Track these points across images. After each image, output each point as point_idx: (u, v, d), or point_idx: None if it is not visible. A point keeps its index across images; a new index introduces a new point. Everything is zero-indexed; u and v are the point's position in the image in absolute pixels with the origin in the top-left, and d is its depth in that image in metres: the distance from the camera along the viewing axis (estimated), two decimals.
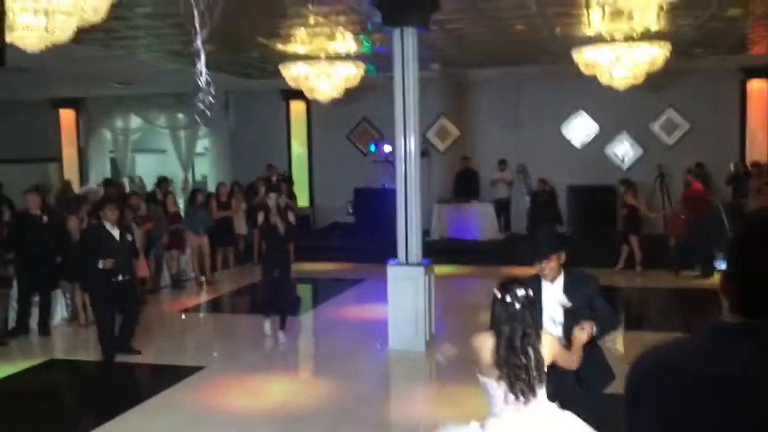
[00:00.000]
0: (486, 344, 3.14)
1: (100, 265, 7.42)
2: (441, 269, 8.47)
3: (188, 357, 8.32)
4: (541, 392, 3.13)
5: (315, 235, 15.21)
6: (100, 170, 17.17)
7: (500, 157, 14.73)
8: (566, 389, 3.63)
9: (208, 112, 6.12)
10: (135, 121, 17.31)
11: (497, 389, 3.08)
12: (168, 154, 17.60)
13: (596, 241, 13.18)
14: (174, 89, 15.13)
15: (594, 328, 3.62)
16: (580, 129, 15.01)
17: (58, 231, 8.86)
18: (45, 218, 8.73)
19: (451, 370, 6.71)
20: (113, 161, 17.64)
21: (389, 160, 15.08)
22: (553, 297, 3.91)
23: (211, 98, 6.13)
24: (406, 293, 7.80)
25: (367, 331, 8.81)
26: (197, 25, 5.87)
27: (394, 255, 8.17)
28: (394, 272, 7.98)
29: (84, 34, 8.92)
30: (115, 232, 7.66)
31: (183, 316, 10.18)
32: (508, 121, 15.03)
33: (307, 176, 16.62)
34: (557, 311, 3.90)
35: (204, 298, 11.36)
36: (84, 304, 9.11)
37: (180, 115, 16.72)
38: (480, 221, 14.29)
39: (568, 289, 3.92)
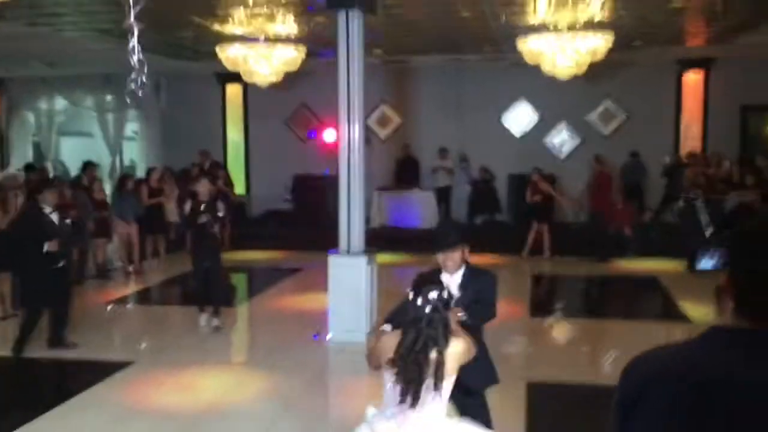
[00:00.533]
0: (390, 342, 3.04)
1: (46, 247, 6.99)
2: (381, 258, 8.28)
3: (116, 351, 7.88)
4: (434, 402, 3.00)
5: (251, 223, 14.81)
6: (22, 154, 16.30)
7: (441, 145, 14.62)
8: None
9: (139, 92, 5.75)
10: (60, 103, 16.50)
11: (393, 389, 3.00)
12: (95, 138, 16.82)
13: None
14: (102, 69, 14.48)
15: (462, 314, 3.62)
16: (520, 118, 15.04)
17: None
18: None
19: None
20: (36, 145, 16.79)
21: (329, 147, 14.83)
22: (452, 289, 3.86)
23: (143, 78, 5.76)
24: (348, 283, 7.59)
25: (306, 321, 8.56)
26: (130, 0, 5.50)
27: (334, 243, 7.94)
28: (335, 261, 7.75)
29: (6, 11, 8.38)
30: (54, 217, 7.24)
31: (109, 308, 9.68)
32: (449, 109, 14.93)
33: (244, 163, 16.17)
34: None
35: (132, 288, 10.87)
36: (1, 296, 8.55)
37: (108, 97, 16.01)
38: (421, 209, 14.17)
39: (464, 282, 3.96)
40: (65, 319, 7.45)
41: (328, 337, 7.70)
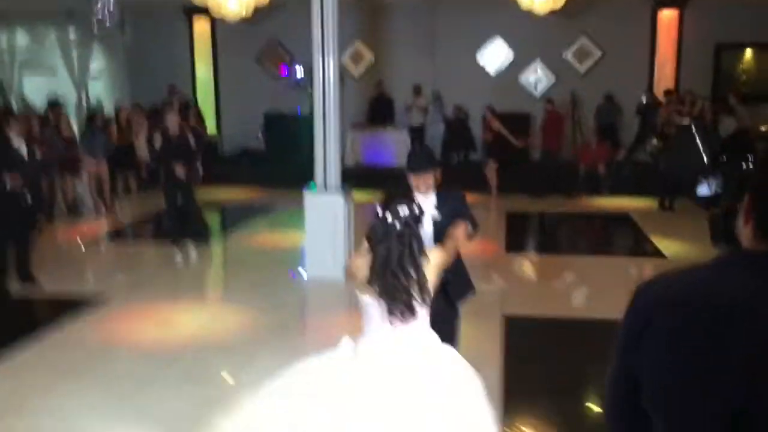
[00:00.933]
0: (361, 261, 3.04)
1: (7, 182, 6.81)
2: (356, 196, 8.24)
3: (90, 288, 7.80)
4: (423, 314, 3.03)
5: (224, 162, 14.60)
6: None
7: (415, 83, 14.44)
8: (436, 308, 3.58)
9: (106, 21, 5.56)
10: (21, 39, 15.90)
11: (376, 307, 2.96)
12: (59, 76, 16.31)
13: (509, 168, 13.26)
14: (65, 3, 13.92)
15: (469, 227, 3.78)
16: (495, 56, 14.88)
17: None
18: None
19: None
20: None
21: (301, 85, 14.57)
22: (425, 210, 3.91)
23: (110, 5, 5.55)
24: (324, 220, 7.55)
25: (281, 259, 8.54)
26: None
27: (309, 181, 7.87)
28: (311, 199, 7.69)
29: None
30: (23, 148, 7.03)
31: (81, 246, 9.56)
32: (423, 46, 14.69)
33: (214, 101, 15.84)
34: (428, 224, 3.93)
35: (103, 226, 10.72)
36: None
37: (72, 33, 15.45)
38: (395, 148, 14.08)
39: (438, 204, 4.03)
40: (27, 254, 7.31)
41: (305, 274, 7.69)
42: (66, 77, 15.85)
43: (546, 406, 4.63)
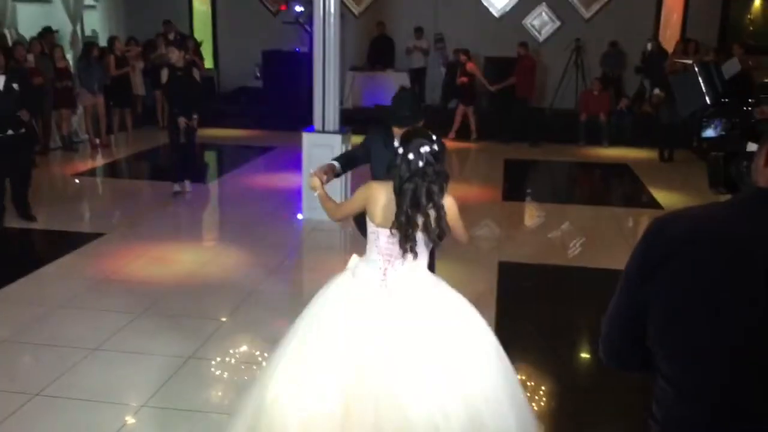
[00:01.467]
0: (381, 195, 3.04)
1: None
2: (353, 138, 8.17)
3: (86, 223, 7.81)
4: (426, 253, 3.10)
5: (221, 100, 14.43)
6: None
7: (417, 24, 14.18)
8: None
9: None
10: None
11: (386, 239, 3.02)
12: (54, 5, 15.92)
13: (511, 115, 13.16)
14: None
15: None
16: None
17: None
18: None
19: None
20: None
21: (300, 22, 14.31)
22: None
23: None
24: (322, 161, 7.46)
25: (278, 200, 8.52)
26: None
27: (307, 122, 7.79)
28: (310, 140, 7.63)
29: None
30: (0, 80, 6.84)
31: (77, 181, 9.51)
32: None
33: (211, 36, 15.55)
34: None
35: (100, 161, 10.65)
36: None
37: None
38: (394, 90, 13.88)
39: None
40: (22, 191, 7.22)
41: (301, 216, 7.69)
42: (60, 7, 15.51)
43: (537, 348, 4.69)
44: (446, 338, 3.02)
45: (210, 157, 11.37)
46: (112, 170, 10.36)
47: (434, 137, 3.07)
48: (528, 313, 5.35)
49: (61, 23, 15.19)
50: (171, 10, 14.64)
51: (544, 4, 14.42)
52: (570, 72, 13.58)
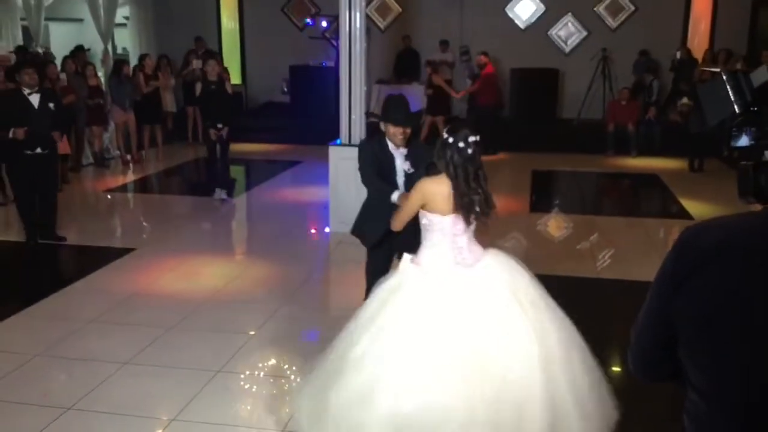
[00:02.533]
0: (443, 189, 3.38)
1: (11, 134, 6.75)
2: None
3: (117, 239, 7.93)
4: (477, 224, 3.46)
5: (248, 115, 14.58)
6: (10, 38, 15.79)
7: (442, 37, 14.21)
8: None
9: None
10: None
11: (447, 224, 3.38)
12: (85, 23, 16.27)
13: (537, 125, 13.13)
14: None
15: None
16: (525, 9, 14.57)
17: None
18: None
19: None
20: (25, 29, 16.25)
21: (326, 36, 14.43)
22: (401, 165, 4.27)
23: None
24: (348, 174, 7.52)
25: (306, 213, 8.57)
26: None
27: (333, 136, 7.84)
28: (336, 153, 7.67)
29: None
30: (34, 99, 6.97)
31: (109, 196, 9.66)
32: None
33: (239, 52, 15.74)
34: (400, 175, 4.28)
35: (131, 177, 10.81)
36: (2, 180, 8.51)
37: None
38: (419, 104, 13.93)
39: (412, 156, 4.25)
40: (50, 211, 7.24)
41: (327, 229, 7.72)
42: (92, 26, 15.82)
43: None
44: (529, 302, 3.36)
45: (238, 171, 11.47)
46: (142, 186, 10.50)
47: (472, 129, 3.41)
48: None
49: (93, 41, 15.51)
50: (200, 26, 14.86)
51: (570, 14, 14.38)
52: (597, 82, 13.50)
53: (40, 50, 14.86)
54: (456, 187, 3.35)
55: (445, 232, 3.41)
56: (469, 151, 3.34)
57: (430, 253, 3.44)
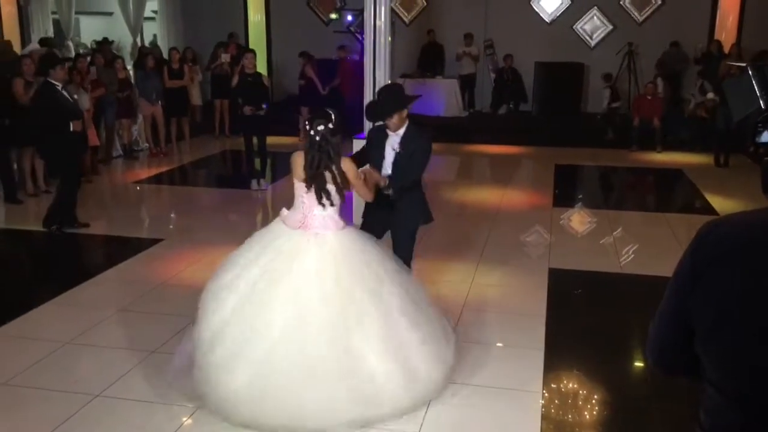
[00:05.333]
0: (298, 161, 4.02)
1: (72, 128, 7.08)
2: None
3: (145, 229, 8.07)
4: (337, 202, 4.02)
5: (272, 108, 14.65)
6: (41, 31, 16.02)
7: (467, 30, 14.20)
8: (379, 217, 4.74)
9: None
10: None
11: (306, 193, 3.99)
12: (115, 17, 16.49)
13: (561, 119, 13.08)
14: None
15: (387, 181, 4.57)
16: (551, 3, 14.49)
17: (2, 93, 8.26)
18: None
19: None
20: (56, 23, 16.50)
21: (352, 30, 14.47)
22: (392, 143, 4.70)
23: None
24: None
25: None
26: None
27: (358, 129, 7.88)
28: (360, 146, 7.70)
29: None
30: (65, 92, 7.20)
31: (137, 188, 9.82)
32: None
33: (265, 45, 15.85)
34: (391, 154, 4.71)
35: (159, 169, 10.96)
36: (32, 172, 8.67)
37: None
38: (444, 98, 13.96)
39: (405, 139, 4.67)
40: (74, 198, 7.48)
41: (353, 223, 7.78)
42: (121, 19, 16.02)
43: (587, 358, 4.66)
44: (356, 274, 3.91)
45: (262, 163, 11.58)
46: (170, 177, 10.65)
47: (333, 117, 3.97)
48: (578, 320, 5.33)
49: (122, 35, 15.71)
50: (227, 20, 14.98)
51: (595, 8, 14.29)
52: (623, 76, 13.41)
53: (71, 43, 15.10)
54: (305, 166, 3.98)
55: (302, 199, 4.02)
56: (317, 138, 3.94)
57: (291, 213, 4.09)
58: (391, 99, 4.73)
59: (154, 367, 4.47)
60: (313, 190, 3.97)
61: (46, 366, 4.49)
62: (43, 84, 7.28)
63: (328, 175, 3.95)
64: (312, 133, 3.97)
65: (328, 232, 3.99)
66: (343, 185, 4.02)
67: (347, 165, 4.06)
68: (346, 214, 4.36)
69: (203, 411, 3.97)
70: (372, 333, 3.77)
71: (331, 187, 3.97)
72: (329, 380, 3.65)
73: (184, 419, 3.93)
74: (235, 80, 9.65)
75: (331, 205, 4.01)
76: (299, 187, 4.04)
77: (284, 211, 4.14)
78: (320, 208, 4.00)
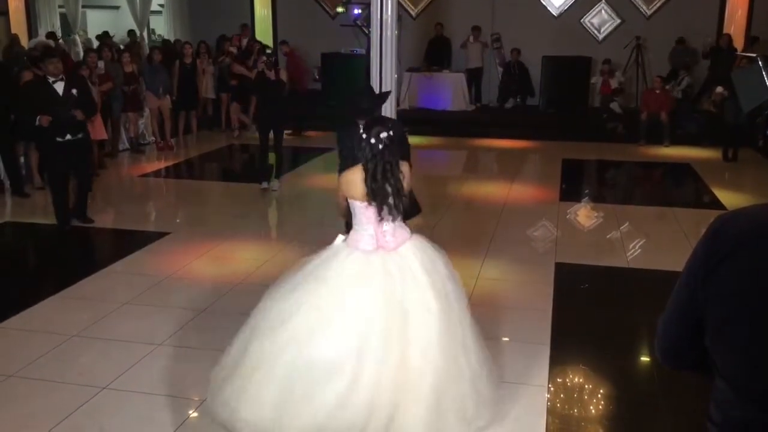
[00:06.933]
0: (356, 177, 3.69)
1: (37, 122, 6.91)
2: (410, 139, 8.18)
3: (151, 222, 8.08)
4: (400, 210, 3.75)
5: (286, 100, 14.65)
6: (48, 25, 16.07)
7: (474, 24, 14.15)
8: None
9: None
10: None
11: (366, 210, 3.66)
12: (121, 10, 16.53)
13: (568, 113, 13.04)
14: None
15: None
16: None
17: (9, 87, 8.28)
18: None
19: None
20: (63, 16, 16.54)
21: (358, 24, 14.44)
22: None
23: None
24: None
25: (335, 200, 8.62)
26: None
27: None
28: None
29: None
30: (59, 87, 7.07)
31: (143, 182, 9.83)
32: None
33: (272, 39, 15.84)
34: None
35: (165, 163, 10.98)
36: (39, 165, 8.71)
37: None
38: (451, 91, 13.93)
39: None
40: (82, 195, 7.47)
41: None
42: (128, 12, 16.05)
43: (594, 353, 4.65)
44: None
45: (270, 158, 11.58)
46: (177, 171, 10.66)
47: (391, 124, 3.73)
48: (585, 314, 5.32)
49: (130, 26, 15.72)
50: (234, 14, 14.98)
51: (603, 2, 14.24)
52: (630, 70, 13.36)
53: (78, 37, 15.13)
54: (366, 179, 3.66)
55: (367, 217, 3.70)
56: (380, 146, 3.64)
57: (356, 234, 3.74)
58: (370, 96, 4.89)
59: (160, 360, 4.49)
60: (375, 205, 3.66)
61: (53, 358, 4.51)
62: (35, 77, 7.24)
63: (388, 187, 3.66)
64: (373, 141, 3.65)
65: (406, 244, 3.70)
66: (402, 192, 3.73)
67: (405, 168, 3.80)
68: None
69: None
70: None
71: (391, 200, 3.68)
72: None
73: (190, 412, 3.94)
74: (252, 74, 9.61)
75: (396, 216, 3.72)
76: (359, 206, 3.71)
77: (340, 237, 3.82)
78: (388, 222, 3.69)
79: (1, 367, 4.37)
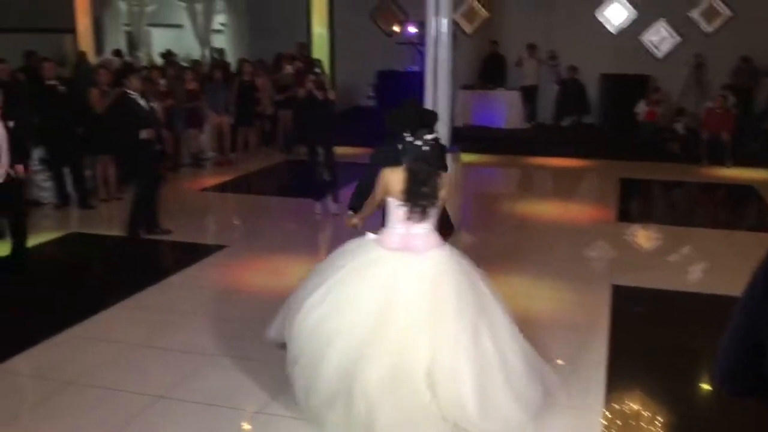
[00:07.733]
0: (396, 176, 3.75)
1: (143, 135, 7.28)
2: (464, 157, 8.21)
3: (210, 236, 8.26)
4: (431, 218, 3.85)
5: (335, 119, 14.83)
6: (114, 43, 16.65)
7: (530, 41, 14.10)
8: None
9: None
10: None
11: (400, 208, 3.76)
12: (184, 29, 17.01)
13: (625, 132, 12.85)
14: None
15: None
16: (616, 14, 14.28)
17: (78, 102, 8.62)
18: (62, 88, 8.48)
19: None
20: (129, 34, 17.10)
21: (414, 42, 14.54)
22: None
23: None
24: None
25: None
26: None
27: None
28: None
29: None
30: (142, 102, 7.45)
31: (203, 196, 10.06)
32: (539, 3, 14.28)
33: (329, 57, 16.07)
34: None
35: (224, 177, 11.20)
36: (105, 179, 9.00)
37: None
38: (505, 109, 13.88)
39: None
40: (156, 204, 7.75)
41: None
42: (190, 31, 16.51)
43: (650, 377, 4.56)
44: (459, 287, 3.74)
45: (325, 173, 11.71)
46: (235, 186, 10.86)
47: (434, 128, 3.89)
48: (642, 338, 5.21)
49: (192, 45, 16.18)
50: (292, 33, 15.26)
51: (662, 19, 14.00)
52: (690, 90, 13.09)
53: (142, 55, 15.62)
54: (406, 180, 3.73)
55: (394, 218, 3.81)
56: (427, 148, 3.73)
57: (386, 232, 3.87)
58: (420, 109, 4.84)
59: (216, 371, 4.57)
60: (411, 207, 3.73)
61: (115, 366, 4.65)
62: (121, 94, 7.57)
63: (425, 189, 3.72)
64: (419, 143, 3.72)
65: (435, 250, 3.81)
66: (436, 198, 3.80)
67: (446, 179, 3.90)
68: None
69: (264, 414, 4.04)
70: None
71: (425, 202, 3.76)
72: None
73: (244, 423, 4.00)
74: (301, 91, 9.52)
75: (426, 219, 3.80)
76: (395, 205, 3.79)
77: (370, 236, 3.94)
78: (421, 225, 3.79)
79: (60, 375, 4.52)
